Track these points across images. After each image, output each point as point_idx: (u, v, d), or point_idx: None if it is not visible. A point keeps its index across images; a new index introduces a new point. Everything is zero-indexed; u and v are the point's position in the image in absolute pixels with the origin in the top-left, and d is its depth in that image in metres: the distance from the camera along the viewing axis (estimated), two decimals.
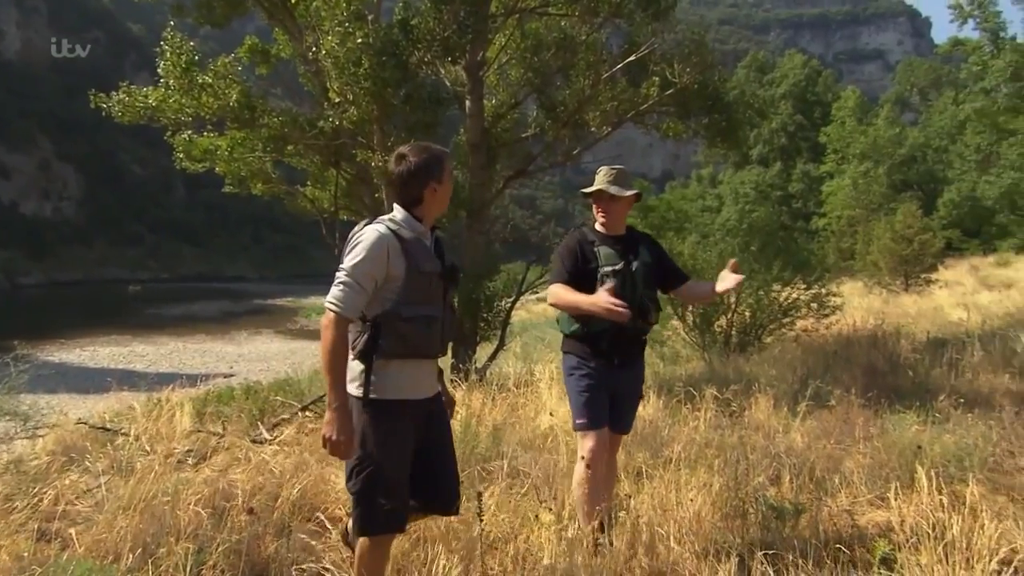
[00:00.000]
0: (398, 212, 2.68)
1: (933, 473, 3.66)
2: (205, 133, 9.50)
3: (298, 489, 3.60)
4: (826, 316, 11.07)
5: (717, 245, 12.33)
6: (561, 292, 3.31)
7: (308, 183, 11.32)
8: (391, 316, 2.55)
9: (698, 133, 11.27)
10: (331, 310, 2.51)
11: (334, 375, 2.48)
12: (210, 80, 8.24)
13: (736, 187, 42.58)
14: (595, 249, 3.41)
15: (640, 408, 6.18)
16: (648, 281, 3.44)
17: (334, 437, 2.48)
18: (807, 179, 46.44)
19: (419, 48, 8.72)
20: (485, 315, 10.00)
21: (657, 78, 9.87)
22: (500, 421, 5.49)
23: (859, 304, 15.19)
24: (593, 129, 10.45)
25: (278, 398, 7.69)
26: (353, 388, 2.58)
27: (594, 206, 3.50)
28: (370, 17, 8.18)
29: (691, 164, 65.76)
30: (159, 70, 8.48)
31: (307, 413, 6.96)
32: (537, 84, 10.55)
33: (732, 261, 3.35)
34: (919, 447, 4.27)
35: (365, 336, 2.55)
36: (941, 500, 3.40)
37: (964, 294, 17.59)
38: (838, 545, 3.23)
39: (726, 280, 3.26)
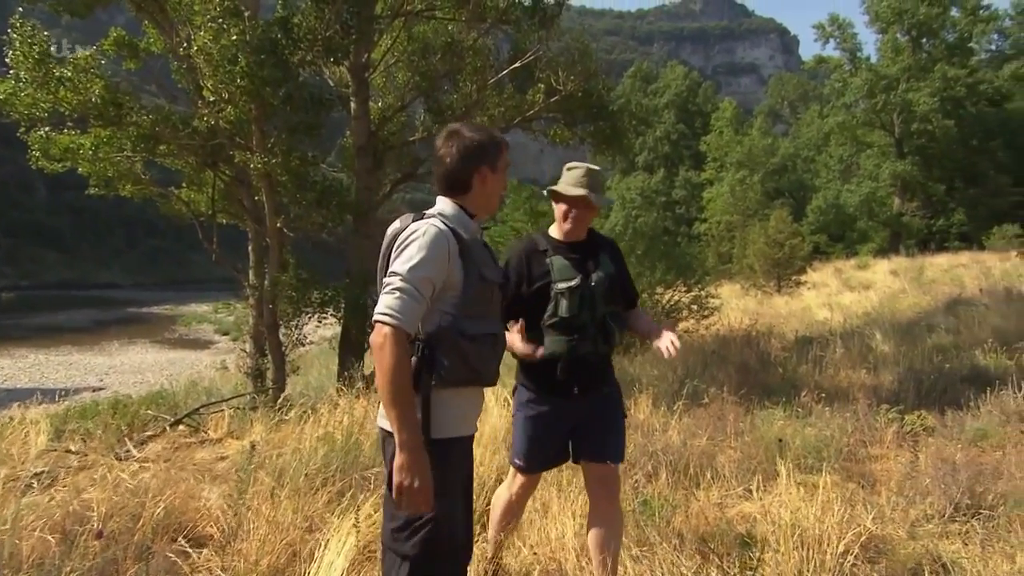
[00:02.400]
0: (446, 205, 2.27)
1: (793, 465, 3.89)
2: (65, 130, 8.87)
3: (163, 507, 3.40)
4: (705, 317, 11.55)
5: None
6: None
7: (184, 185, 10.79)
8: (450, 333, 2.12)
9: (584, 140, 11.53)
10: (387, 323, 2.01)
11: (402, 405, 1.99)
12: (69, 74, 7.69)
13: (623, 193, 44.03)
14: (548, 260, 2.93)
15: None
16: (611, 296, 2.95)
17: (415, 484, 1.98)
18: (689, 186, 48.65)
19: (300, 47, 8.49)
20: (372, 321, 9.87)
21: (543, 85, 10.05)
22: None
23: (736, 305, 15.98)
24: None
25: (149, 412, 7.30)
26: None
27: (556, 207, 2.98)
28: (247, 14, 7.88)
29: None
30: (7, 59, 7.85)
31: (180, 427, 6.64)
32: (424, 88, 10.52)
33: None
34: (780, 440, 4.53)
35: (416, 357, 2.10)
36: (799, 490, 3.62)
37: (829, 295, 18.79)
38: (707, 538, 3.38)
39: (662, 339, 2.79)
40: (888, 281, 20.82)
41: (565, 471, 4.19)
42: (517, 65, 10.20)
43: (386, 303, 2.04)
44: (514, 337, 2.78)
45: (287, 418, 6.14)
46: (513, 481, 3.08)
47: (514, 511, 3.15)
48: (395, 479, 2.00)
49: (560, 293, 2.87)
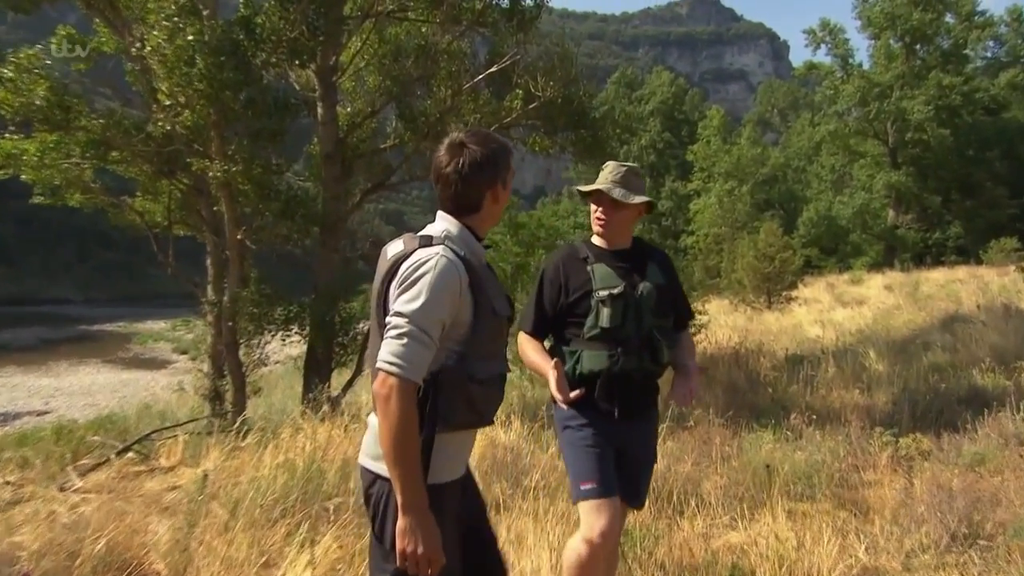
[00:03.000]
0: (451, 225, 2.15)
1: (783, 492, 3.87)
2: (7, 135, 8.74)
3: (104, 543, 3.31)
4: (692, 335, 11.61)
5: None
6: (523, 345, 2.86)
7: (138, 194, 10.67)
8: (458, 376, 2.03)
9: (565, 149, 11.58)
10: (393, 373, 1.92)
11: (408, 464, 1.92)
12: (10, 74, 7.58)
13: None
14: (589, 268, 2.87)
15: (501, 434, 6.28)
16: (660, 309, 2.84)
17: (419, 550, 1.92)
18: (676, 197, 49.03)
19: (264, 49, 8.45)
20: (340, 339, 9.82)
21: (521, 91, 10.07)
22: (351, 455, 5.34)
23: (724, 322, 16.06)
24: None
25: (96, 438, 7.17)
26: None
27: (592, 209, 2.96)
28: (205, 12, 7.84)
29: (563, 180, 67.54)
30: None
31: (129, 454, 6.51)
32: (396, 92, 10.51)
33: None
34: (768, 466, 4.52)
35: (418, 402, 2.01)
36: (789, 519, 3.61)
37: (821, 311, 18.93)
38: (691, 571, 3.35)
39: (679, 386, 2.77)
40: (882, 296, 21.04)
41: (541, 499, 4.16)
42: (494, 70, 10.21)
43: (391, 350, 1.95)
44: (549, 376, 2.63)
45: (245, 444, 6.03)
46: (590, 521, 2.69)
47: (596, 569, 2.71)
48: (399, 543, 1.94)
49: (601, 301, 2.79)
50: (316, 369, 9.69)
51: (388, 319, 1.99)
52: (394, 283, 2.04)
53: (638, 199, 2.90)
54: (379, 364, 1.95)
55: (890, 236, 38.62)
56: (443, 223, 2.16)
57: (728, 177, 43.33)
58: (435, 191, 2.20)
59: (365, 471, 2.13)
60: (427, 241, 2.08)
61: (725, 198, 40.61)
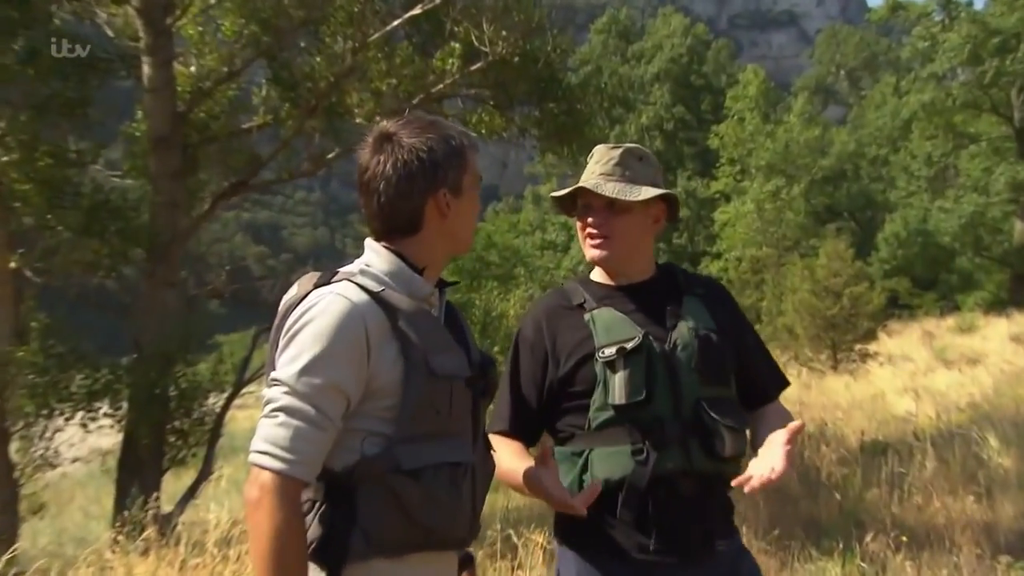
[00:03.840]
0: (376, 255, 2.24)
1: None
2: None
3: None
4: None
5: None
6: (499, 452, 2.63)
7: None
8: (378, 469, 2.05)
9: (526, 131, 11.63)
10: (266, 467, 1.96)
11: None
12: None
13: None
14: (587, 317, 2.76)
15: None
16: (710, 368, 2.69)
17: None
18: (693, 201, 49.60)
19: None
20: (178, 423, 9.86)
21: (458, 45, 10.20)
22: None
23: None
24: (360, 120, 10.58)
25: None
26: None
27: (578, 226, 2.89)
28: None
29: (526, 177, 68.01)
30: None
31: None
32: (266, 45, 10.56)
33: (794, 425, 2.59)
34: None
35: (321, 514, 2.06)
36: None
37: (914, 374, 18.96)
38: None
39: (763, 464, 2.53)
40: (1008, 352, 21.11)
41: None
42: (417, 12, 10.31)
43: (264, 435, 1.98)
44: (542, 478, 2.49)
45: None
46: None
47: None
48: None
49: (608, 364, 2.63)
50: (137, 471, 9.61)
51: (263, 392, 2.07)
52: (282, 340, 2.11)
53: (648, 192, 2.77)
54: (250, 457, 1.97)
55: (1018, 260, 38.65)
56: (367, 254, 2.26)
57: (772, 173, 43.79)
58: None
59: None
60: (325, 278, 2.15)
61: (767, 204, 40.97)
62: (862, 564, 5.87)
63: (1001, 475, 8.71)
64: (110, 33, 10.26)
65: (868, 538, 6.16)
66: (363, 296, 2.08)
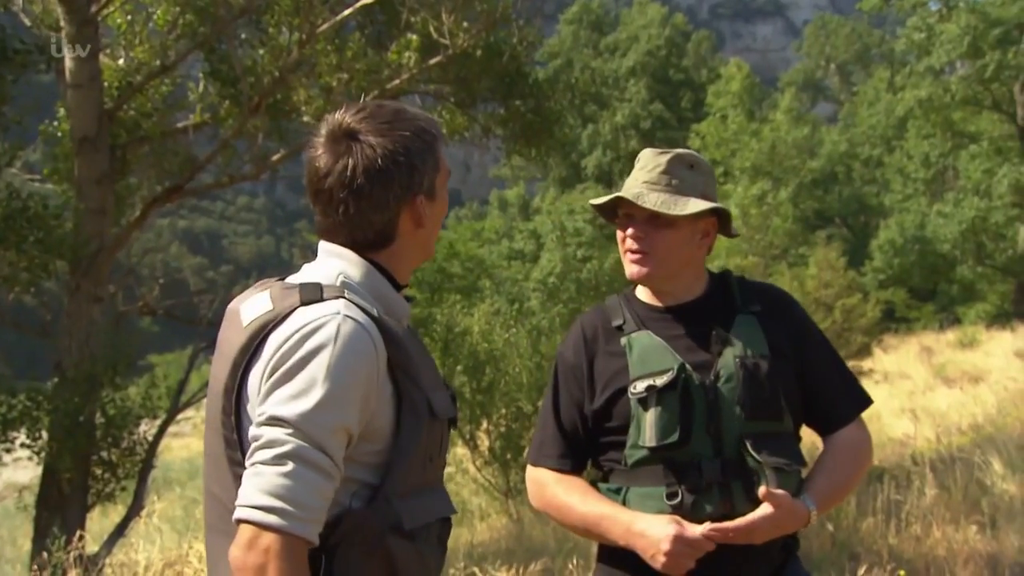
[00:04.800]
0: (350, 265, 2.10)
1: None
2: None
3: None
4: None
5: (532, 318, 12.51)
6: (552, 492, 2.75)
7: None
8: (371, 528, 1.95)
9: (491, 131, 11.67)
10: (271, 528, 1.81)
11: None
12: None
13: (561, 219, 44.44)
14: (623, 342, 2.75)
15: None
16: (759, 403, 2.64)
17: None
18: None
19: None
20: (106, 453, 9.87)
21: (415, 37, 10.29)
22: None
23: None
24: (307, 119, 10.64)
25: None
26: None
27: (618, 236, 2.84)
28: None
29: (491, 181, 68.21)
30: None
31: None
32: (204, 35, 10.59)
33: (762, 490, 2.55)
34: None
35: None
36: None
37: (912, 393, 19.20)
38: None
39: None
40: (1013, 369, 21.39)
41: None
42: (370, 0, 10.27)
43: (265, 486, 1.81)
44: (656, 529, 2.50)
45: None
46: None
47: None
48: None
49: (640, 400, 2.60)
50: (59, 507, 9.62)
51: (255, 432, 1.87)
52: (257, 367, 1.94)
53: (696, 206, 2.69)
54: (241, 513, 1.81)
55: (1023, 269, 38.99)
56: (336, 261, 2.10)
57: (757, 175, 44.01)
58: (313, 211, 2.15)
59: None
60: (314, 294, 1.98)
61: (752, 209, 40.95)
62: None
63: (1006, 503, 8.75)
64: (27, 22, 10.16)
65: (862, 572, 6.29)
66: (367, 320, 1.96)
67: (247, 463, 1.86)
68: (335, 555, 1.90)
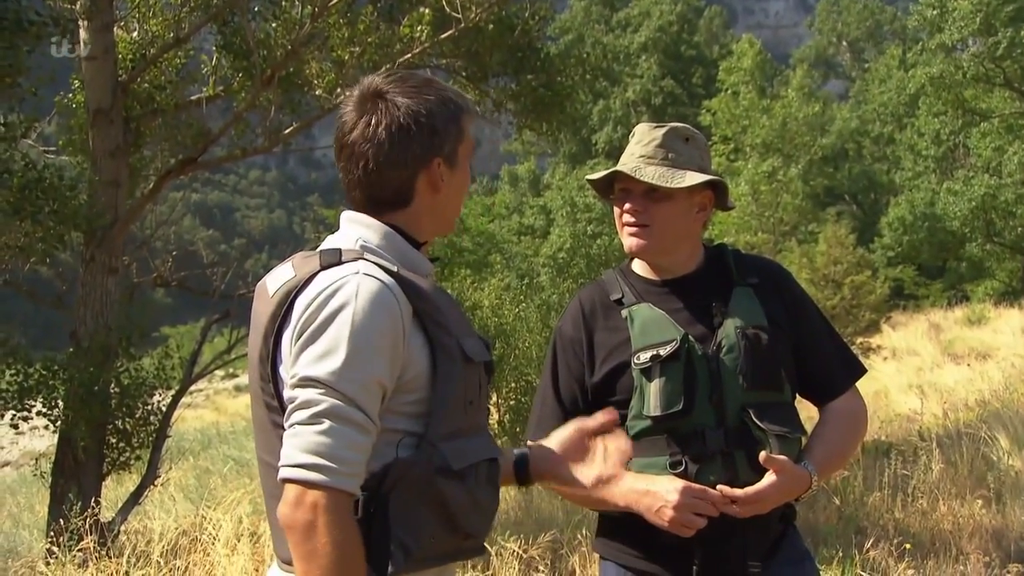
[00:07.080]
0: (368, 229, 2.17)
1: None
2: None
3: None
4: None
5: (541, 293, 12.60)
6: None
7: None
8: (419, 472, 2.01)
9: (502, 105, 11.64)
10: (315, 484, 1.88)
11: None
12: None
13: (571, 194, 44.38)
14: (624, 314, 2.78)
15: None
16: (761, 372, 2.69)
17: None
18: None
19: None
20: (120, 423, 9.78)
21: (428, 11, 10.26)
22: None
23: None
24: (320, 92, 10.61)
25: None
26: None
27: (615, 211, 2.87)
28: None
29: (502, 156, 67.95)
30: None
31: None
32: (217, 8, 10.48)
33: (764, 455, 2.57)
34: None
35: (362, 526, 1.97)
36: None
37: (920, 369, 19.16)
38: None
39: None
40: (1020, 346, 21.28)
41: None
42: None
43: (304, 445, 1.89)
44: (664, 489, 2.53)
45: None
46: None
47: None
48: None
49: (643, 370, 2.65)
50: (74, 475, 9.53)
51: (290, 394, 1.95)
52: (287, 333, 2.02)
53: (693, 179, 2.73)
54: (285, 473, 1.89)
55: None
56: (355, 227, 2.17)
57: (768, 152, 43.64)
58: (339, 176, 2.20)
59: None
60: (333, 258, 2.05)
61: (763, 186, 40.81)
62: (862, 573, 5.88)
63: (1012, 478, 8.81)
64: None
65: (869, 545, 6.27)
66: (387, 276, 2.02)
67: (285, 424, 1.94)
68: (388, 502, 1.96)
